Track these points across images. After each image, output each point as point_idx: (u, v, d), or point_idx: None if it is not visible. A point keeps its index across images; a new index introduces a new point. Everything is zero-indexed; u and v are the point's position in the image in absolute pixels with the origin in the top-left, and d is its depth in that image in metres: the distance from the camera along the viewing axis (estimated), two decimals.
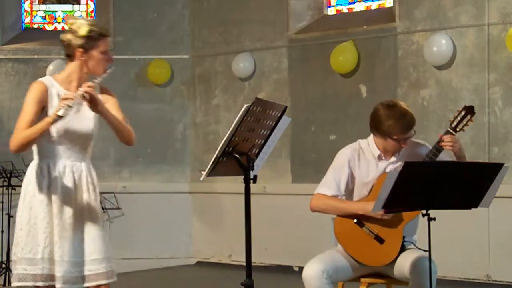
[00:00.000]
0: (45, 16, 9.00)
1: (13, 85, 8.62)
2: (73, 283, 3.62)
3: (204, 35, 8.72)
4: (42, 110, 3.61)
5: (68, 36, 3.65)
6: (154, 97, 8.78)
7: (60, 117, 3.43)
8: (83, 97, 3.49)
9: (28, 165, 8.68)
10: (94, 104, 3.53)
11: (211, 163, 3.61)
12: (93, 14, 8.94)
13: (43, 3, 9.01)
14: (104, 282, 3.66)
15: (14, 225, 8.96)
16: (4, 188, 7.91)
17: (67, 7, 9.01)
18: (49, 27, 8.98)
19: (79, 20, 3.67)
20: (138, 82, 8.73)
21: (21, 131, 3.53)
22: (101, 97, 3.74)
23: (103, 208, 8.17)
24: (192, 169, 8.75)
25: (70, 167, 3.68)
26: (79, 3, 8.99)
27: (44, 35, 8.89)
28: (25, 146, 3.56)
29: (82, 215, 3.68)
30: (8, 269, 7.75)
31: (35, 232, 3.62)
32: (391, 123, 4.07)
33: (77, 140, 3.68)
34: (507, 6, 6.82)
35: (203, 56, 8.70)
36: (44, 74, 8.43)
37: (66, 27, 3.68)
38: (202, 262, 8.64)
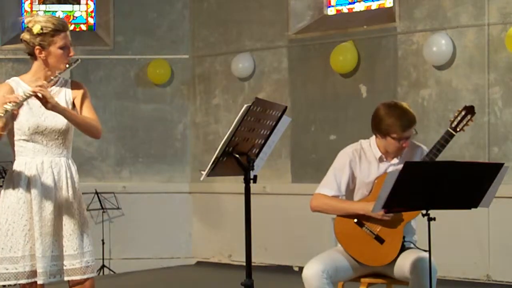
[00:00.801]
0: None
1: None
2: (53, 276, 3.65)
3: (204, 35, 8.72)
4: None
5: (25, 36, 3.66)
6: (154, 97, 8.78)
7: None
8: (35, 95, 3.48)
9: None
10: (45, 102, 3.50)
11: (211, 163, 3.61)
12: (93, 14, 8.94)
13: (43, 3, 9.01)
14: (78, 277, 3.67)
15: None
16: None
17: (67, 7, 9.01)
18: None
19: (36, 18, 3.66)
20: (138, 82, 8.73)
21: None
22: (72, 92, 3.75)
23: (103, 208, 8.18)
24: (192, 169, 8.75)
25: (48, 163, 3.68)
26: (79, 3, 8.99)
27: None
28: None
29: (60, 210, 3.69)
30: None
31: (14, 231, 3.63)
32: (391, 121, 4.08)
33: (52, 136, 3.67)
34: (507, 6, 6.82)
35: (203, 56, 8.70)
36: None
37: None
38: (202, 262, 8.64)
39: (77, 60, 3.70)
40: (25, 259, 3.62)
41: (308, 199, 4.26)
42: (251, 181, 3.67)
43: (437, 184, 3.59)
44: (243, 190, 3.67)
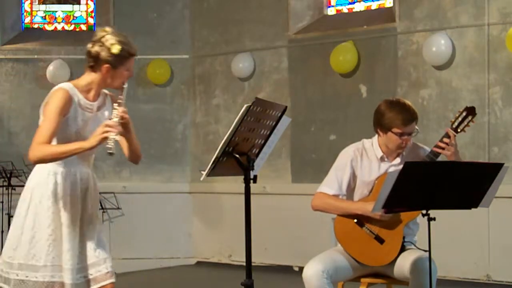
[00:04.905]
0: (45, 16, 9.00)
1: (13, 85, 8.63)
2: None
3: (204, 35, 8.72)
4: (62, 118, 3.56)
5: (97, 49, 3.59)
6: (154, 97, 8.78)
7: (111, 154, 3.42)
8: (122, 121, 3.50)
9: (29, 165, 8.62)
10: (127, 129, 3.56)
11: (211, 163, 3.61)
12: (93, 14, 8.94)
13: (43, 3, 9.01)
14: (106, 282, 3.63)
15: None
16: (4, 188, 7.91)
17: (67, 7, 9.01)
18: (49, 27, 8.98)
19: (110, 35, 3.60)
20: (138, 82, 8.72)
21: (45, 146, 3.44)
22: (110, 107, 3.73)
23: (103, 208, 8.17)
24: (192, 169, 8.75)
25: (79, 174, 3.66)
26: (79, 3, 8.99)
27: (44, 35, 8.89)
28: (48, 161, 3.53)
29: (87, 221, 3.67)
30: None
31: (39, 239, 3.58)
32: (392, 114, 4.10)
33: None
34: (507, 6, 6.82)
35: (203, 56, 8.70)
36: (44, 74, 8.53)
37: (95, 38, 3.62)
38: (202, 262, 8.64)
39: (126, 85, 3.68)
40: (46, 269, 3.58)
41: (308, 199, 4.26)
42: (251, 181, 3.67)
43: (437, 184, 3.59)
44: (243, 190, 3.67)
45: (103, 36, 3.60)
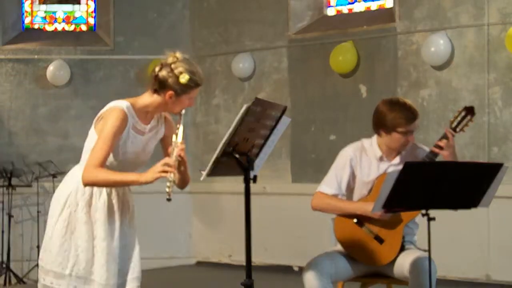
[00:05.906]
0: (45, 16, 9.00)
1: (13, 85, 8.62)
2: None
3: (204, 35, 8.72)
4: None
5: (164, 74, 3.54)
6: None
7: (169, 200, 3.46)
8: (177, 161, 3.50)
9: (28, 165, 8.58)
10: (183, 165, 3.62)
11: (211, 163, 3.62)
12: (93, 14, 8.94)
13: (43, 3, 9.01)
14: None
15: (14, 225, 8.94)
16: (4, 188, 7.90)
17: (67, 7, 9.01)
18: (49, 27, 8.98)
19: (180, 62, 3.53)
20: (138, 82, 8.72)
21: (100, 170, 3.42)
22: (165, 130, 3.74)
23: None
24: (192, 169, 8.71)
25: (116, 190, 3.66)
26: (79, 3, 8.99)
27: (44, 35, 8.89)
28: (100, 186, 3.54)
29: (127, 235, 3.73)
30: (8, 269, 7.74)
31: (68, 247, 3.57)
32: (394, 114, 4.10)
33: (131, 168, 3.67)
34: (507, 6, 6.82)
35: (203, 56, 8.69)
36: (44, 74, 8.53)
37: (165, 62, 3.56)
38: (202, 262, 8.64)
39: (184, 111, 3.64)
40: (72, 279, 3.56)
41: (308, 199, 4.27)
42: (251, 181, 3.67)
43: (437, 184, 3.59)
44: (243, 190, 3.67)
45: (174, 62, 3.54)
